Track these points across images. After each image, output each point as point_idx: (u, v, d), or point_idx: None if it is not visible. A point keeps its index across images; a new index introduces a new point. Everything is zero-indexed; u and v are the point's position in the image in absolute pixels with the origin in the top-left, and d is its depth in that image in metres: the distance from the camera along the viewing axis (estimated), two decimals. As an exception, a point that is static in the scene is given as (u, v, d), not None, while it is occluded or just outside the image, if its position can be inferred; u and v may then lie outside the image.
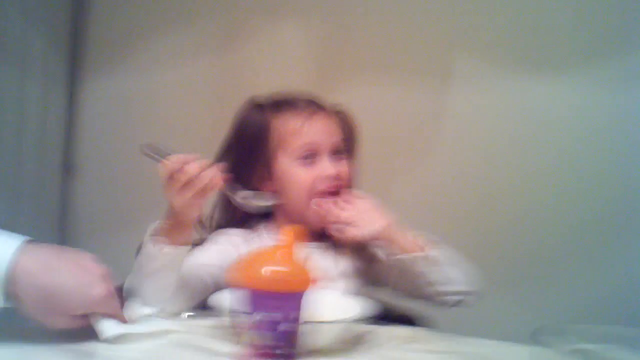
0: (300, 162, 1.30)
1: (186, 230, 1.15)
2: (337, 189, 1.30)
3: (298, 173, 1.30)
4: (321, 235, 1.35)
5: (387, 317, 1.34)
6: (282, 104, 1.35)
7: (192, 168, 1.07)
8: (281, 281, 0.74)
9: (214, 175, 1.10)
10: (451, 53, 2.03)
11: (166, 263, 1.14)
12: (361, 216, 1.25)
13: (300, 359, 0.78)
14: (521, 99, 1.96)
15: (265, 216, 1.37)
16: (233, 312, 0.75)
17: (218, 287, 1.23)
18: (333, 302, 1.13)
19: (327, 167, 1.29)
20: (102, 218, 2.46)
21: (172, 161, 1.08)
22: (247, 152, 1.32)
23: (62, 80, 2.41)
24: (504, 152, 1.98)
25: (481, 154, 2.00)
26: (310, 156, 1.30)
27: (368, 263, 1.35)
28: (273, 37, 2.22)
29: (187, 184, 1.07)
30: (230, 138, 1.36)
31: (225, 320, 0.99)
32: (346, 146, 1.36)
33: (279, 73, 2.14)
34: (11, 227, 2.22)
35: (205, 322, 1.11)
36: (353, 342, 1.06)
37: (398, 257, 1.22)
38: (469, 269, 1.26)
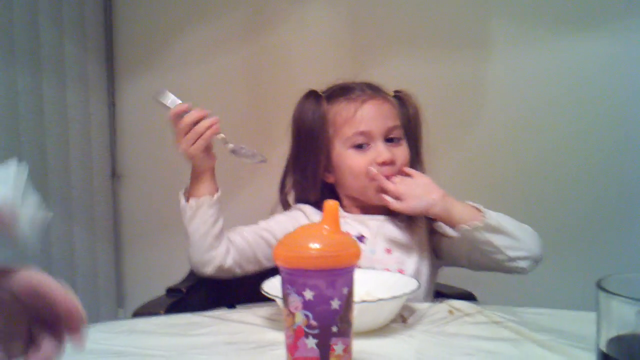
0: (354, 149, 1.34)
1: (204, 181, 1.29)
2: (391, 174, 1.32)
3: (352, 158, 1.34)
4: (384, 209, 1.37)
5: (443, 294, 1.35)
6: (336, 93, 1.38)
7: (193, 114, 1.22)
8: (330, 257, 0.73)
9: (212, 123, 1.23)
10: (487, 19, 1.98)
11: (193, 213, 1.27)
12: (413, 190, 1.27)
13: (358, 336, 0.77)
14: (562, 60, 1.90)
15: (333, 196, 1.41)
16: (284, 294, 0.74)
17: None
18: (387, 279, 1.12)
19: (380, 153, 1.31)
20: (152, 219, 2.49)
21: (176, 108, 1.23)
22: (307, 143, 1.37)
23: (100, 86, 2.44)
24: (549, 116, 1.93)
25: (526, 119, 1.95)
26: (364, 143, 1.33)
27: (439, 238, 1.37)
28: (303, 18, 2.20)
29: (190, 130, 1.22)
30: (292, 131, 1.40)
31: (279, 304, 0.99)
32: (407, 130, 1.38)
33: (313, 55, 2.12)
34: (67, 236, 2.28)
35: (259, 312, 1.12)
36: (410, 319, 1.05)
37: (460, 227, 1.22)
38: (530, 231, 1.25)
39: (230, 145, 1.29)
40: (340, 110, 1.34)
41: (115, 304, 2.53)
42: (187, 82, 2.39)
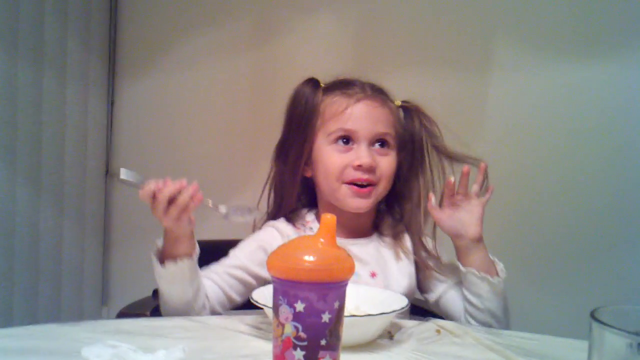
0: (335, 147, 1.27)
1: (183, 244, 1.15)
2: (368, 182, 1.26)
3: (330, 156, 1.27)
4: (369, 230, 1.35)
5: (430, 312, 1.34)
6: (336, 85, 1.32)
7: (171, 187, 1.09)
8: (324, 271, 0.72)
9: (193, 193, 1.10)
10: (490, 40, 2.00)
11: (173, 276, 1.15)
12: (459, 212, 1.24)
13: (345, 350, 0.76)
14: (562, 83, 1.91)
15: (312, 206, 1.37)
16: (274, 305, 0.74)
17: (263, 282, 1.27)
18: (376, 295, 1.12)
19: (360, 156, 1.24)
20: (142, 220, 2.47)
21: (151, 185, 1.09)
22: (295, 129, 1.31)
23: (100, 85, 2.45)
24: (548, 140, 1.93)
25: (524, 143, 1.96)
26: (346, 142, 1.27)
27: (425, 268, 1.32)
28: (308, 29, 2.21)
29: (170, 204, 1.09)
30: (285, 115, 1.35)
31: (267, 314, 0.99)
32: (408, 144, 1.32)
33: (316, 66, 2.11)
34: (56, 231, 2.28)
35: (246, 319, 1.12)
36: (397, 335, 1.05)
37: (468, 269, 1.20)
38: (508, 309, 1.25)
39: (223, 210, 1.18)
40: (333, 103, 1.28)
41: (100, 301, 2.52)
42: (188, 86, 2.40)
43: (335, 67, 2.14)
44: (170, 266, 1.14)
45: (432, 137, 1.33)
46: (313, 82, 1.33)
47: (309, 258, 0.72)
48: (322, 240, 0.75)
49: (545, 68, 1.93)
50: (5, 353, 0.86)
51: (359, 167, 1.24)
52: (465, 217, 1.23)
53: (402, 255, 1.31)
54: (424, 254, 1.32)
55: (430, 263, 1.31)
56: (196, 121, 2.40)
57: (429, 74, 2.05)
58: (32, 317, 2.12)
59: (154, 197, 1.09)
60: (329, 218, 0.77)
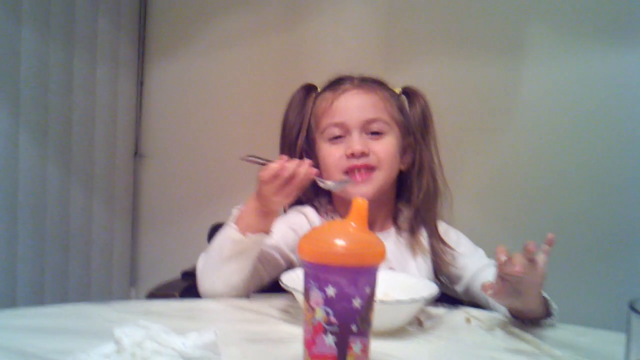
0: (330, 142, 1.31)
1: (272, 219, 1.19)
2: (364, 167, 1.28)
3: (327, 151, 1.31)
4: (386, 223, 1.36)
5: (460, 301, 1.33)
6: (329, 85, 1.36)
7: (291, 166, 1.11)
8: (355, 255, 0.72)
9: (308, 170, 1.13)
10: (523, 25, 1.95)
11: (248, 247, 1.16)
12: (517, 284, 0.99)
13: (374, 337, 0.76)
14: (598, 70, 1.86)
15: (328, 198, 1.38)
16: (305, 289, 0.73)
17: (290, 264, 1.27)
18: (404, 281, 1.11)
19: (351, 144, 1.28)
20: (171, 201, 2.49)
21: (274, 164, 1.11)
22: (288, 134, 1.35)
23: (130, 65, 2.46)
24: (580, 127, 1.89)
25: (556, 129, 1.92)
26: (340, 135, 1.30)
27: (443, 262, 1.32)
28: (338, 13, 2.19)
29: (288, 180, 1.11)
30: (283, 123, 1.37)
31: (297, 298, 0.98)
32: (412, 128, 1.34)
33: (345, 50, 2.10)
34: (86, 211, 2.30)
35: (275, 303, 1.12)
36: (426, 323, 1.04)
37: (524, 310, 1.07)
38: None
39: (330, 184, 1.23)
40: (321, 102, 1.33)
41: (128, 282, 2.55)
42: (217, 68, 2.39)
43: (364, 51, 2.15)
44: (251, 237, 1.15)
45: (428, 125, 1.35)
46: (307, 87, 1.37)
47: (340, 242, 0.72)
48: (353, 224, 0.75)
49: (579, 55, 1.88)
50: (39, 332, 0.88)
51: (351, 155, 1.28)
52: (522, 286, 0.99)
53: (419, 252, 1.32)
54: (440, 246, 1.32)
55: (447, 258, 1.31)
56: (224, 103, 2.40)
57: (460, 59, 2.01)
58: (63, 297, 2.15)
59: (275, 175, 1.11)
60: (360, 202, 0.76)
